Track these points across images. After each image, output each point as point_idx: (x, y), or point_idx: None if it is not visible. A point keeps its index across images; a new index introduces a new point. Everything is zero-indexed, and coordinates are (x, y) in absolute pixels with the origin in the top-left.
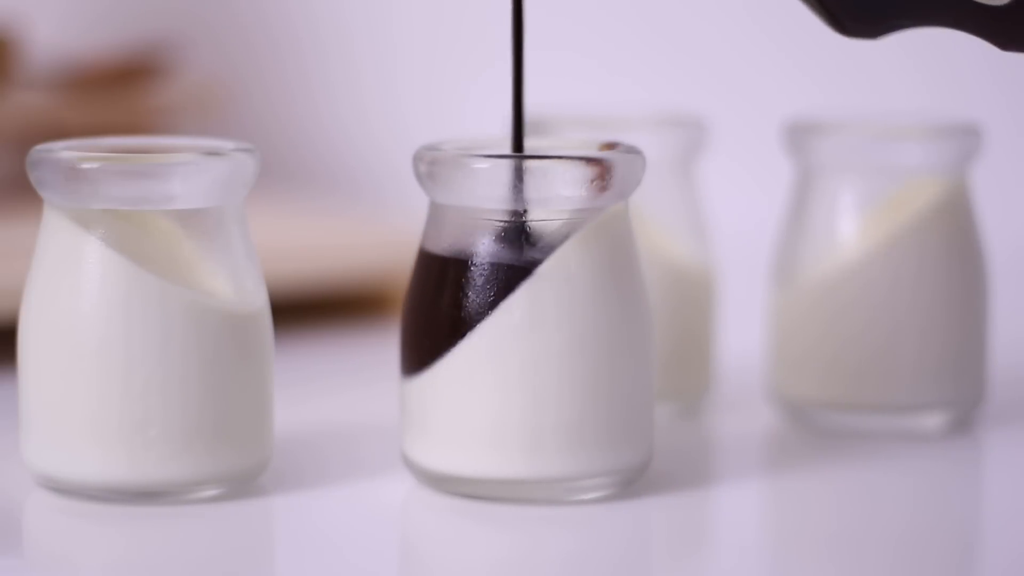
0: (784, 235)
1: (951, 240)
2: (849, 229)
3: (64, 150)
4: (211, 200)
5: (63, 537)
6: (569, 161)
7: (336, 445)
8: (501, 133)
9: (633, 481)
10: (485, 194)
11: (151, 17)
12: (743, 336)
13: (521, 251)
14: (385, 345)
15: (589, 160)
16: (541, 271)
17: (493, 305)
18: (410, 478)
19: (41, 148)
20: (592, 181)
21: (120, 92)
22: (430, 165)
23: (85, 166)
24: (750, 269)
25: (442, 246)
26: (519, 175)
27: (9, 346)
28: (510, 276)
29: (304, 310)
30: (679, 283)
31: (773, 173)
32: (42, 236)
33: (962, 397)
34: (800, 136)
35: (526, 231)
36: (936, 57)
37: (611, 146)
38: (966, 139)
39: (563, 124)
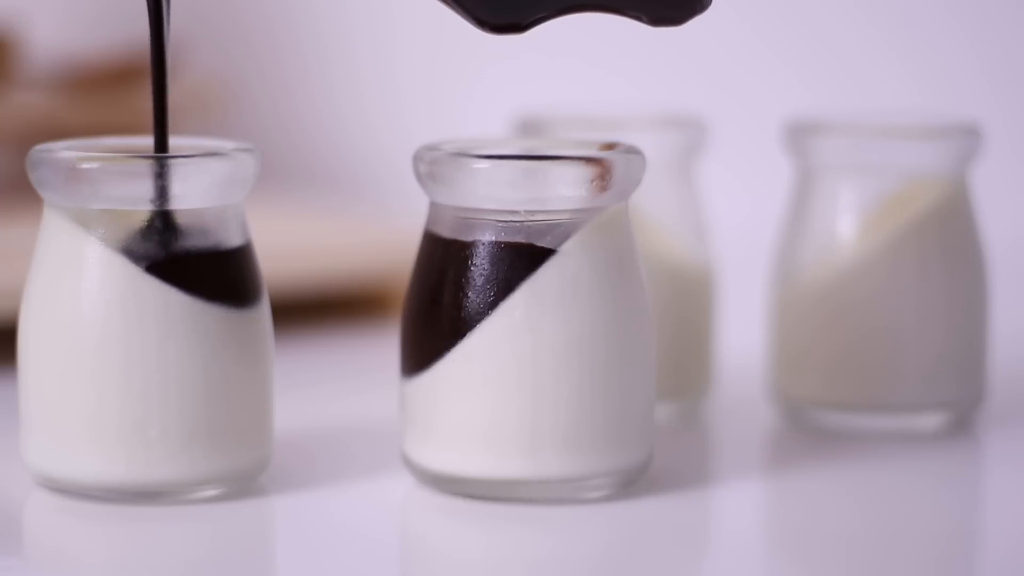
0: (784, 235)
1: (951, 240)
2: (849, 229)
3: (64, 150)
4: (211, 200)
5: (63, 537)
6: (569, 161)
7: (336, 445)
8: (502, 133)
9: (633, 481)
10: (485, 194)
11: None
12: (743, 336)
13: (520, 251)
14: (385, 345)
15: (589, 160)
16: (541, 271)
17: (493, 305)
18: (410, 478)
19: (41, 148)
20: (592, 181)
21: (120, 92)
22: (430, 165)
23: (85, 166)
24: (750, 269)
25: (442, 246)
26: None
27: (9, 346)
28: (510, 276)
29: (304, 310)
30: (679, 283)
31: (773, 173)
32: (42, 236)
33: (962, 397)
34: (800, 136)
35: (524, 231)
36: (936, 57)
37: (611, 146)
38: (966, 139)
39: (563, 124)
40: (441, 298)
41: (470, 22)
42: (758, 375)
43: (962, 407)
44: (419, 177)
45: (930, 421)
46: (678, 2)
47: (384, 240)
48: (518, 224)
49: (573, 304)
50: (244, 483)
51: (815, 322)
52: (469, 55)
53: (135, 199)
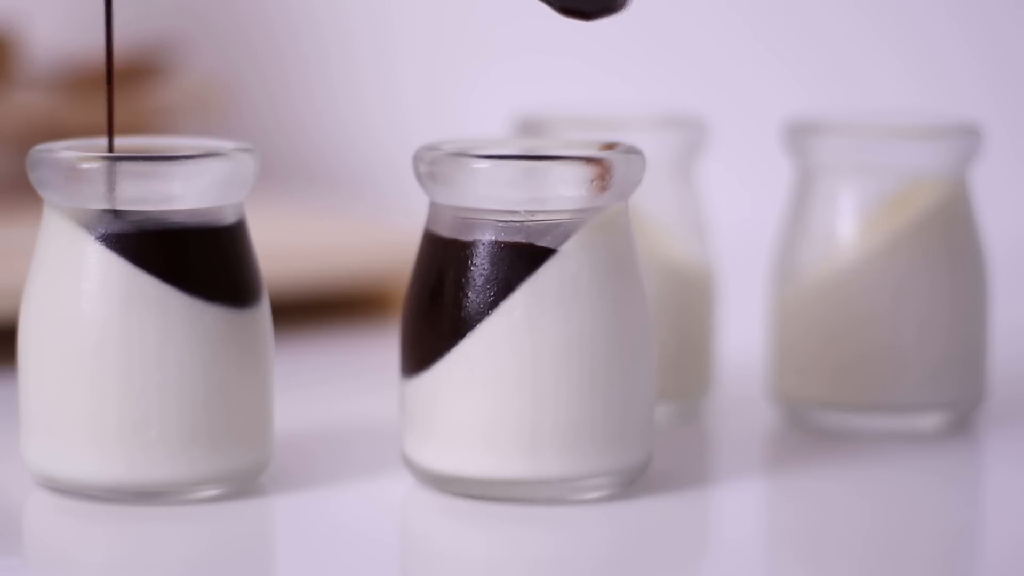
0: (784, 235)
1: (951, 240)
2: (849, 229)
3: (64, 150)
4: (211, 200)
5: (63, 537)
6: (569, 161)
7: (336, 445)
8: (502, 133)
9: (633, 481)
10: (485, 194)
11: (151, 17)
12: (743, 336)
13: (520, 251)
14: (385, 345)
15: (589, 160)
16: (541, 271)
17: (493, 305)
18: (410, 478)
19: (41, 148)
20: (592, 181)
21: (120, 92)
22: (430, 165)
23: (85, 166)
24: (750, 269)
25: (442, 246)
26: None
27: (9, 346)
28: (510, 276)
29: (304, 310)
30: (679, 283)
31: (773, 173)
32: (42, 236)
33: (962, 397)
34: (800, 136)
35: (524, 231)
36: (936, 57)
37: (611, 146)
38: (966, 139)
39: (563, 124)
40: (441, 298)
41: None
42: (758, 375)
43: (962, 407)
44: (419, 177)
45: (930, 421)
46: None
47: (384, 240)
48: (518, 224)
49: (573, 304)
50: (244, 483)
51: (815, 322)
52: (469, 55)
53: (135, 199)
